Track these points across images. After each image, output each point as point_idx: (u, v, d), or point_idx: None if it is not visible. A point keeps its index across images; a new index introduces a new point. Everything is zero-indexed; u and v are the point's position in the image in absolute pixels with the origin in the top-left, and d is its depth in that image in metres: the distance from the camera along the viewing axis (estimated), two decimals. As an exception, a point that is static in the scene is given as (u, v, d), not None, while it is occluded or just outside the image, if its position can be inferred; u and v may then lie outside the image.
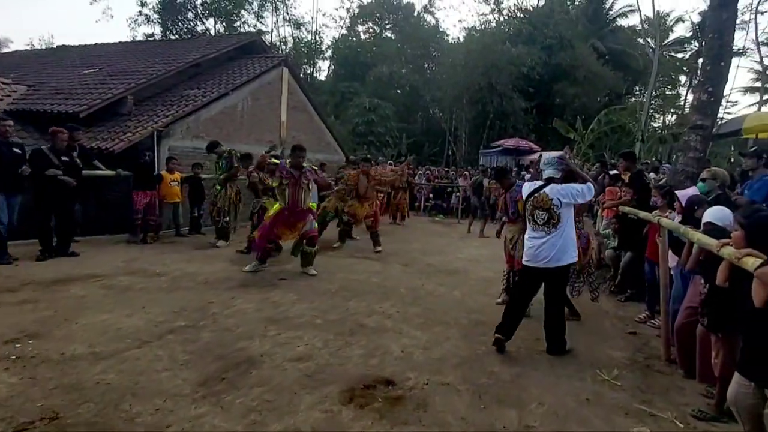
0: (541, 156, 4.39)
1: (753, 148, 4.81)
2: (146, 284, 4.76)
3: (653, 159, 14.17)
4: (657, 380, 3.07)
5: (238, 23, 25.13)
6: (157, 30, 24.30)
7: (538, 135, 21.89)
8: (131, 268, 5.38)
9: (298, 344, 3.41)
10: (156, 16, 23.96)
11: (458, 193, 12.81)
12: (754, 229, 2.07)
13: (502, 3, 29.00)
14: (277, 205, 5.38)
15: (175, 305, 4.10)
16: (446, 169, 16.82)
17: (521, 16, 26.72)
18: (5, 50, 24.83)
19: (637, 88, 27.88)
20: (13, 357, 2.98)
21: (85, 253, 5.96)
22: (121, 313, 3.87)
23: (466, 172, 14.47)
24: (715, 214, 2.74)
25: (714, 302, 2.50)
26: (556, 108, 21.91)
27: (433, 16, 29.87)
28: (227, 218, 6.95)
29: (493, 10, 28.09)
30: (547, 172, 3.44)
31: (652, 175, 8.57)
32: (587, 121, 16.25)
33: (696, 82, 6.02)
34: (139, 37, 23.86)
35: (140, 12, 23.97)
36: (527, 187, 3.59)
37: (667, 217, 3.61)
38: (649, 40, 24.43)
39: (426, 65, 26.94)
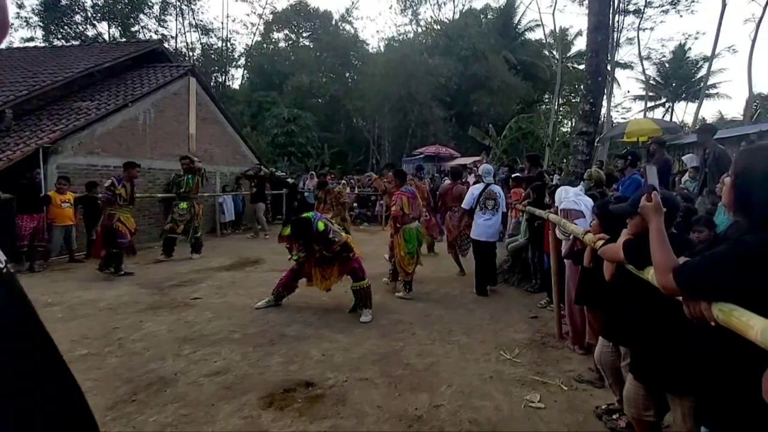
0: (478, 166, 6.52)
1: (624, 151, 5.75)
2: (38, 316, 4.47)
3: (562, 161, 15.87)
4: (550, 354, 3.60)
5: (136, 28, 23.84)
6: (39, 34, 22.31)
7: (457, 142, 23.35)
8: (18, 301, 5.00)
9: (215, 359, 3.47)
10: (36, 18, 22.01)
11: (382, 201, 13.28)
12: (602, 218, 2.63)
13: (420, 15, 30.80)
14: None
15: (73, 334, 3.94)
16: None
17: (437, 28, 28.54)
18: None
19: (546, 96, 30.88)
20: None
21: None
22: (8, 349, 3.65)
23: (390, 181, 15.03)
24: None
25: (581, 281, 3.05)
26: (473, 116, 23.55)
27: (352, 26, 30.68)
28: (198, 233, 7.82)
29: (411, 21, 29.65)
30: (488, 179, 5.68)
31: (556, 176, 9.72)
32: (502, 128, 17.75)
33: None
34: (17, 43, 21.74)
35: (18, 14, 21.91)
36: (478, 187, 5.62)
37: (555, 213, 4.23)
38: (554, 52, 27.34)
39: (347, 74, 27.58)
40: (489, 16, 29.74)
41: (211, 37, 26.67)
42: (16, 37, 22.68)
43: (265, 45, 28.60)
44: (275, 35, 29.79)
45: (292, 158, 19.49)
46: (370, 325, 4.29)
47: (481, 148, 18.47)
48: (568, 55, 28.04)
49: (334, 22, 29.77)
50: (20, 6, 22.01)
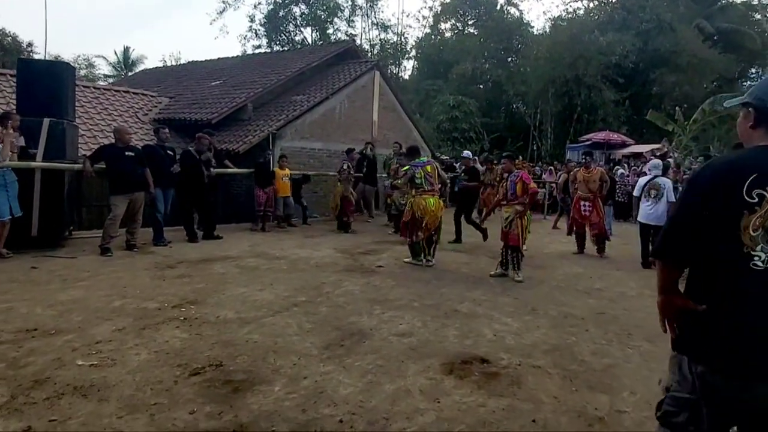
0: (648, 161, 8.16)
1: None
2: (270, 266, 5.47)
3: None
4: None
5: (331, 30, 26.43)
6: (263, 42, 26.47)
7: (631, 127, 20.04)
8: (256, 252, 6.18)
9: (400, 322, 3.75)
10: (262, 29, 26.11)
11: (544, 189, 12.30)
12: None
13: (593, -12, 26.82)
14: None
15: (295, 284, 4.70)
16: (531, 164, 16.12)
17: (613, 1, 24.50)
18: (142, 66, 28.86)
19: (754, 71, 24.23)
20: (181, 318, 3.66)
21: (219, 239, 6.94)
22: (254, 288, 4.53)
23: (551, 168, 13.85)
24: None
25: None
26: (652, 98, 19.89)
27: (517, 8, 28.49)
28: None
29: (581, -3, 26.12)
30: (655, 171, 6.25)
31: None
32: (689, 111, 14.54)
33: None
34: (249, 49, 26.22)
35: (250, 27, 26.39)
36: (645, 178, 6.35)
37: None
38: (769, 15, 21.07)
39: (509, 59, 25.93)
40: (680, -19, 24.24)
41: (388, 33, 27.95)
42: (248, 46, 27.36)
43: (433, 36, 28.72)
44: (443, 26, 29.66)
45: (456, 143, 19.44)
46: (539, 314, 4.09)
47: (660, 134, 15.55)
48: (789, 17, 21.32)
49: (498, 7, 28.07)
50: (251, 20, 26.38)
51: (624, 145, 16.19)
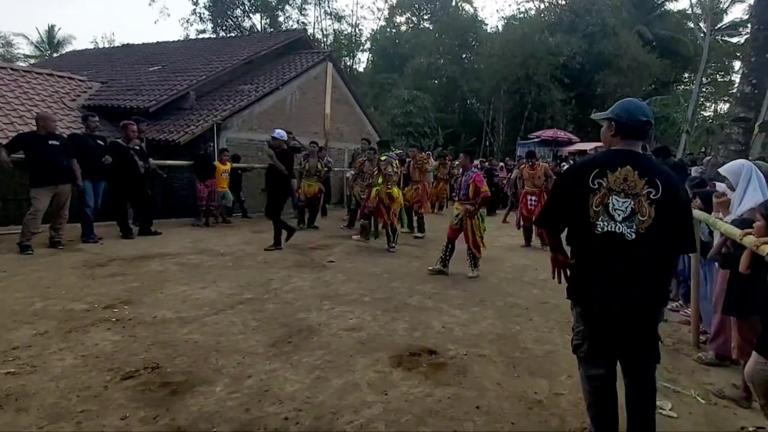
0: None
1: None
2: (213, 262, 5.29)
3: (701, 151, 13.63)
4: (684, 362, 3.23)
5: (282, 18, 25.81)
6: (208, 27, 25.34)
7: (577, 126, 21.31)
8: (198, 248, 5.96)
9: (350, 317, 3.78)
10: (207, 13, 24.98)
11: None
12: None
13: (544, -10, 28.08)
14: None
15: (241, 281, 4.59)
16: (483, 159, 16.68)
17: (563, 3, 25.84)
18: (70, 47, 26.74)
19: (686, 75, 26.49)
20: (113, 319, 3.48)
21: (158, 234, 6.61)
22: (196, 286, 4.38)
23: (502, 163, 14.41)
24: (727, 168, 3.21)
25: (733, 288, 2.65)
26: (596, 98, 21.20)
27: (471, 5, 29.34)
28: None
29: (532, -2, 27.30)
30: None
31: (696, 168, 8.39)
32: (630, 111, 15.68)
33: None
34: (192, 35, 24.99)
35: (194, 10, 25.12)
36: None
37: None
38: (701, 24, 23.06)
39: (464, 55, 26.60)
40: (623, -12, 25.98)
41: (342, 23, 27.71)
42: (192, 30, 26.08)
43: (388, 29, 28.86)
44: (398, 19, 29.90)
45: (410, 137, 19.69)
46: (487, 305, 4.27)
47: (603, 132, 16.64)
48: (718, 26, 23.45)
49: (454, 3, 28.71)
50: (195, 3, 25.13)
51: (570, 142, 17.21)
